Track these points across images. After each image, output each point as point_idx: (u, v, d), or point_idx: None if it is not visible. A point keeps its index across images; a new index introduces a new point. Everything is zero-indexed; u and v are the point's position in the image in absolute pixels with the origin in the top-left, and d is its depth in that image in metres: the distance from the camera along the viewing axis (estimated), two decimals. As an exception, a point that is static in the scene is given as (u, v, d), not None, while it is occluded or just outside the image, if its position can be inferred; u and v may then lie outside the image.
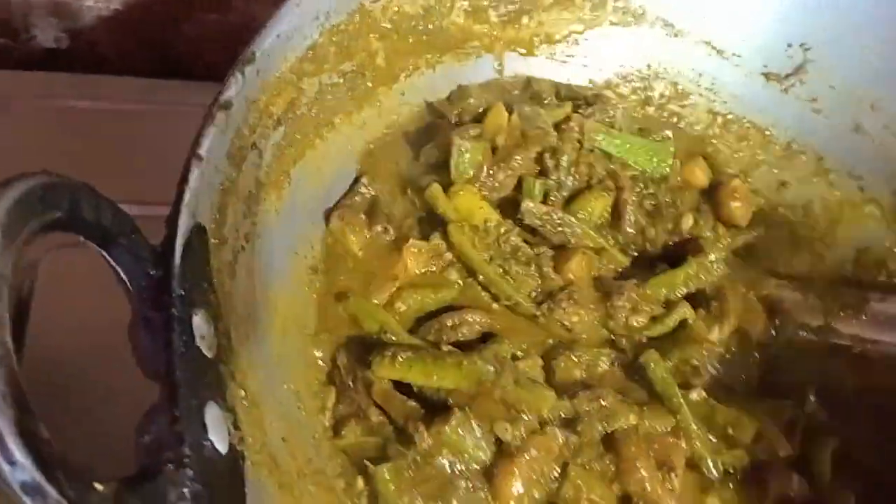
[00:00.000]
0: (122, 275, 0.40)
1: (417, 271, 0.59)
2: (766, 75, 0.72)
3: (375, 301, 0.57)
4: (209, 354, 0.42)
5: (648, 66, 0.72)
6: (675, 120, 0.73)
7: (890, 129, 0.68)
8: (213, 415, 0.40)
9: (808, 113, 0.71)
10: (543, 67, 0.71)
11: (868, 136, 0.69)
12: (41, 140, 0.72)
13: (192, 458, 0.37)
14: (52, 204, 0.35)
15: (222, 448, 0.40)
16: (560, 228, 0.61)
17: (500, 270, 0.59)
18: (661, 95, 0.73)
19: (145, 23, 0.79)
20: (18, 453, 0.28)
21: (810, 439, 0.57)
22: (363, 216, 0.60)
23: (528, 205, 0.61)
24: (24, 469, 0.28)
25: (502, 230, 0.60)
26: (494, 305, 0.59)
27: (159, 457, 0.37)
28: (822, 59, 0.70)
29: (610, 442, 0.54)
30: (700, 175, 0.68)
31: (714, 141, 0.73)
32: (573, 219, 0.61)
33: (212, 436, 0.39)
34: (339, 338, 0.55)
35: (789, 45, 0.70)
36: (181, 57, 0.83)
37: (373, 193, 0.61)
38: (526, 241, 0.61)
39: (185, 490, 0.36)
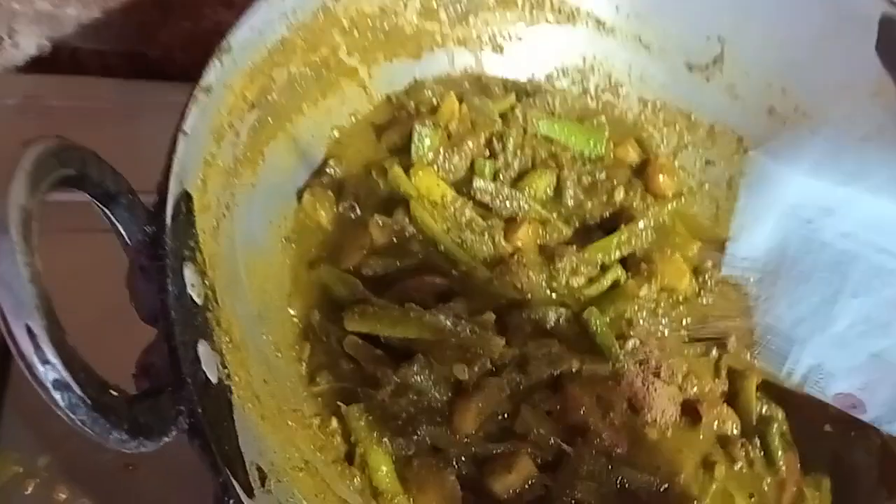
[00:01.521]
0: (120, 229, 0.46)
1: (382, 242, 0.65)
2: (689, 66, 0.80)
3: (344, 267, 0.63)
4: (198, 301, 0.48)
5: (584, 61, 0.80)
6: (609, 108, 0.81)
7: (799, 111, 0.77)
8: (204, 351, 0.46)
9: (727, 98, 0.79)
10: (490, 62, 0.78)
11: (780, 117, 0.78)
12: (23, 137, 0.77)
13: (188, 383, 0.42)
14: (66, 162, 0.40)
15: (213, 378, 0.46)
16: (508, 203, 0.68)
17: (458, 240, 0.66)
18: (597, 87, 0.81)
19: (123, 29, 0.85)
20: (51, 355, 0.34)
21: (738, 377, 0.65)
22: (331, 194, 0.66)
23: (479, 182, 0.68)
24: (55, 368, 0.34)
25: (458, 204, 0.67)
26: (453, 272, 0.65)
27: (160, 381, 0.43)
28: (738, 50, 0.78)
29: (557, 384, 0.61)
30: (632, 153, 0.76)
31: (646, 125, 0.81)
32: (520, 194, 0.69)
33: (204, 367, 0.45)
34: (311, 299, 0.61)
35: (708, 38, 0.78)
36: (156, 61, 0.88)
37: (339, 174, 0.68)
38: (479, 215, 0.68)
39: (183, 407, 0.42)
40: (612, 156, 0.75)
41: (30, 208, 0.36)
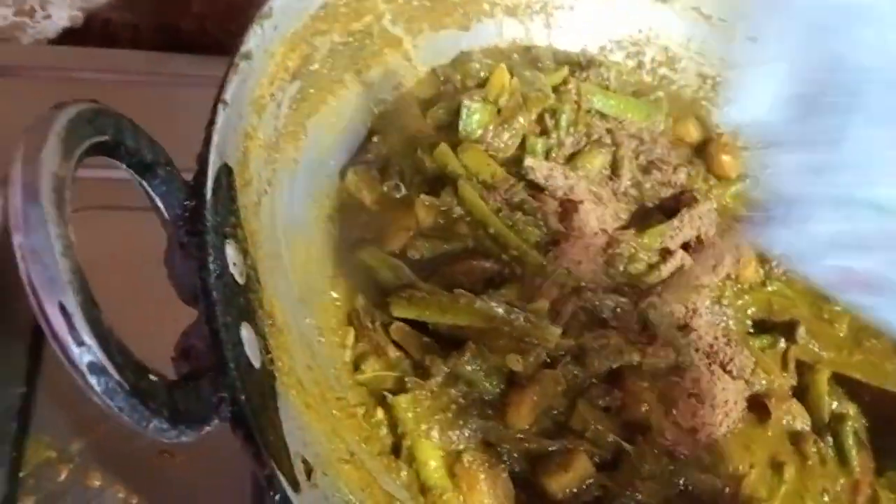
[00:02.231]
0: (158, 203, 0.43)
1: (428, 224, 0.62)
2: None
3: (389, 250, 0.60)
4: (240, 281, 0.44)
5: (640, 32, 0.76)
6: (666, 83, 0.76)
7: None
8: (246, 334, 0.43)
9: (792, 73, 0.75)
10: (541, 34, 0.74)
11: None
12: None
13: (231, 368, 0.39)
14: (100, 128, 0.37)
15: (256, 363, 0.43)
16: (562, 182, 0.64)
17: (509, 222, 0.62)
18: (653, 60, 0.77)
19: (155, 1, 0.82)
20: (86, 336, 0.31)
21: (806, 370, 0.60)
22: (376, 172, 0.63)
23: (530, 161, 0.64)
24: (90, 350, 0.31)
25: (509, 184, 0.63)
26: (504, 256, 0.61)
27: (200, 365, 0.40)
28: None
29: (616, 378, 0.57)
30: (692, 131, 0.71)
31: (704, 103, 0.76)
32: (574, 173, 0.65)
33: (247, 351, 0.42)
34: (355, 283, 0.58)
35: (772, 9, 0.74)
36: (189, 33, 0.86)
37: (384, 152, 0.64)
38: (530, 196, 0.64)
39: (226, 393, 0.39)
40: (671, 134, 0.70)
41: (62, 176, 0.33)
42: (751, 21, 0.74)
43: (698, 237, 0.65)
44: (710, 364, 0.58)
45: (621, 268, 0.62)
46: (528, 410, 0.53)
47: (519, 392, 0.54)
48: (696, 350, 0.59)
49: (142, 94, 0.78)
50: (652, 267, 0.63)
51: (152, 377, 0.35)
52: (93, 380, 0.31)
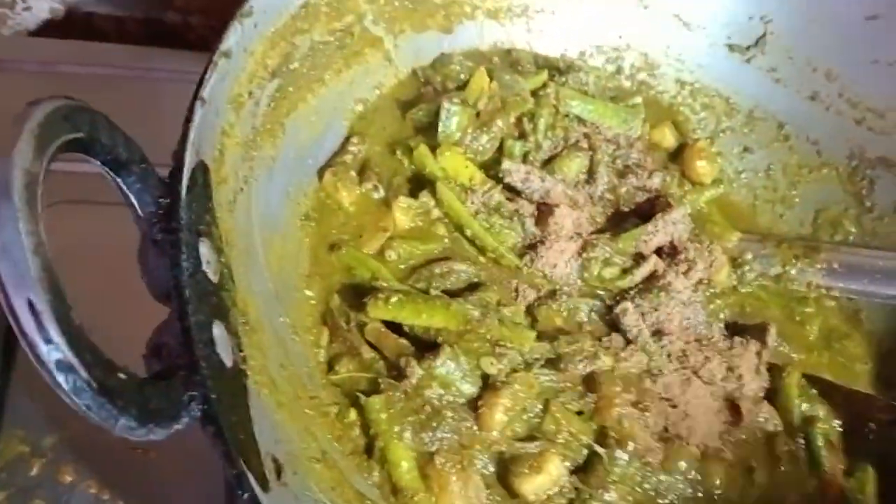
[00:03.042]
0: (132, 200, 0.43)
1: (406, 225, 0.62)
2: (730, 46, 0.76)
3: (366, 251, 0.60)
4: (214, 279, 0.45)
5: (620, 38, 0.76)
6: (644, 89, 0.77)
7: (844, 97, 0.73)
8: (218, 333, 0.43)
9: (768, 82, 0.76)
10: (521, 38, 0.74)
11: (824, 103, 0.74)
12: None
13: (202, 366, 0.39)
14: (75, 125, 0.37)
15: (228, 362, 0.43)
16: (539, 186, 0.64)
17: (486, 225, 0.62)
18: (632, 66, 0.77)
19: (140, -5, 0.82)
20: (54, 333, 0.31)
21: (777, 373, 0.61)
22: (354, 174, 0.63)
23: (508, 164, 0.64)
24: (58, 348, 0.31)
25: (486, 187, 0.63)
26: (480, 258, 0.62)
27: (171, 363, 0.40)
28: (782, 32, 0.74)
29: (589, 382, 0.57)
30: (669, 137, 0.72)
31: (682, 108, 0.77)
32: (551, 177, 0.65)
33: (219, 350, 0.42)
34: (331, 283, 0.58)
35: (751, 18, 0.75)
36: (173, 27, 0.85)
37: (363, 153, 0.64)
38: (507, 199, 0.64)
39: (196, 392, 0.39)
40: (647, 139, 0.71)
41: (35, 172, 0.33)
42: (731, 28, 0.76)
43: (672, 242, 0.65)
44: (682, 369, 0.59)
45: (595, 272, 0.62)
46: (502, 413, 0.54)
47: (493, 395, 0.54)
48: (669, 355, 0.59)
49: (124, 88, 0.77)
50: (626, 271, 0.63)
51: (121, 375, 0.35)
52: (60, 377, 0.32)
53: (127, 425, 0.34)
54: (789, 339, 0.65)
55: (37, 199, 0.32)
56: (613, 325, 0.61)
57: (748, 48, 0.76)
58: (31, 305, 0.31)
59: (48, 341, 0.31)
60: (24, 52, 0.78)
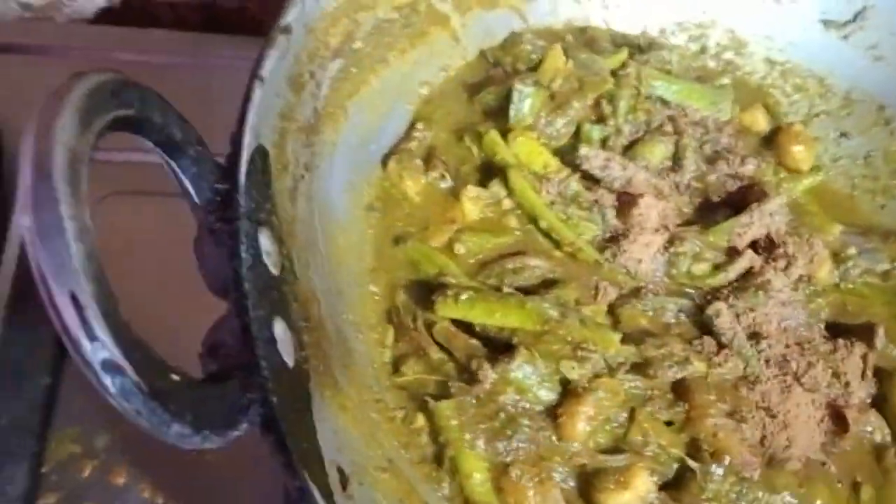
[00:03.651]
0: (188, 186, 0.39)
1: (475, 217, 0.58)
2: (825, 22, 0.70)
3: (433, 244, 0.56)
4: (274, 272, 0.41)
5: (704, 13, 0.71)
6: (731, 69, 0.71)
7: (953, 76, 0.66)
8: (280, 330, 0.39)
9: (867, 61, 0.69)
10: (597, 14, 0.69)
11: (931, 83, 0.67)
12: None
13: (263, 367, 0.36)
14: (124, 101, 0.34)
15: (289, 361, 0.39)
16: (620, 174, 0.59)
17: (563, 216, 0.58)
18: (718, 44, 0.71)
19: (196, -19, 0.80)
20: (100, 330, 0.28)
21: (886, 377, 0.55)
22: (419, 162, 0.59)
23: (585, 150, 0.59)
24: (104, 346, 0.28)
25: (562, 175, 0.59)
26: (556, 253, 0.57)
27: (229, 363, 0.37)
28: (883, 5, 0.68)
29: (680, 390, 0.52)
30: (760, 120, 0.66)
31: (772, 90, 0.71)
32: (634, 164, 0.60)
33: (280, 349, 0.39)
34: (396, 278, 0.54)
35: (848, -10, 0.68)
36: (229, 13, 0.83)
37: (428, 140, 0.60)
38: (586, 188, 0.59)
39: (256, 395, 0.35)
40: (737, 122, 0.65)
41: (79, 151, 0.29)
42: (826, 3, 0.69)
43: (768, 235, 0.59)
44: (782, 375, 0.53)
45: (684, 269, 0.57)
46: (584, 422, 0.49)
47: (574, 402, 0.49)
48: (767, 361, 0.54)
49: (180, 75, 0.75)
50: (718, 268, 0.58)
51: (174, 376, 0.31)
52: (107, 379, 0.28)
53: (180, 432, 0.31)
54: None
55: (82, 179, 0.29)
56: (705, 328, 0.55)
57: (845, 24, 0.69)
58: (73, 299, 0.27)
59: (93, 339, 0.28)
60: (80, 39, 0.76)
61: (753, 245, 0.59)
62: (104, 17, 0.81)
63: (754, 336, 0.54)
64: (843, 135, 0.70)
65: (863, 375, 0.55)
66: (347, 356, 0.47)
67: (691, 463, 0.48)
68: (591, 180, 0.59)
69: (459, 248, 0.56)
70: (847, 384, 0.54)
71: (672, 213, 0.59)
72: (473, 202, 0.58)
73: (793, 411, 0.51)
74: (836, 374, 0.54)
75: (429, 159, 0.59)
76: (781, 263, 0.57)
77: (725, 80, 0.68)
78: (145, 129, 0.36)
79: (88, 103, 0.31)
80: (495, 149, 0.59)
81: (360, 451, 0.43)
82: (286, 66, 0.47)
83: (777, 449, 0.50)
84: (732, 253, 0.58)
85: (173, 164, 0.39)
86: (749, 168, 0.62)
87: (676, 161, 0.62)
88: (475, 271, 0.55)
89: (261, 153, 0.43)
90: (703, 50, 0.71)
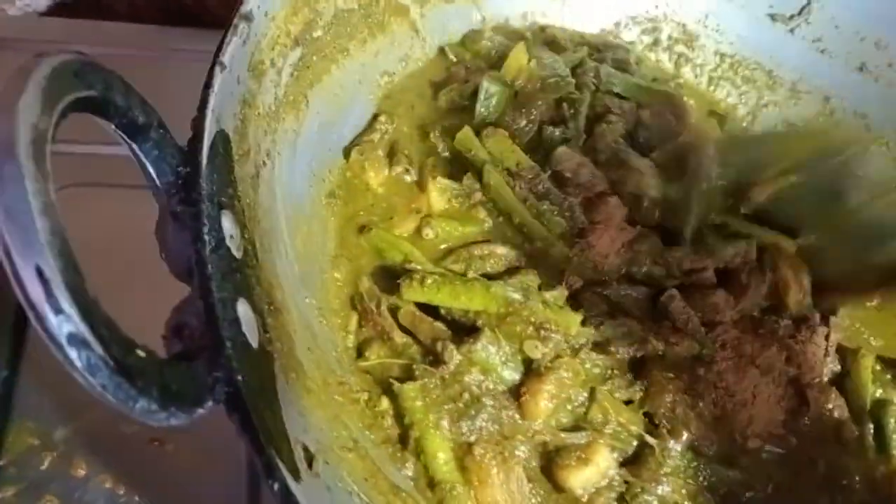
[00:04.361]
0: (150, 170, 0.39)
1: (441, 207, 0.59)
2: (772, 16, 0.72)
3: (399, 233, 0.57)
4: (237, 255, 0.41)
5: (656, 7, 0.73)
6: (683, 62, 0.73)
7: (894, 67, 0.69)
8: (243, 311, 0.39)
9: (813, 53, 0.72)
10: (554, 6, 0.71)
11: (872, 74, 0.70)
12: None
13: (227, 346, 0.36)
14: (87, 82, 0.34)
15: (254, 343, 0.39)
16: (590, 176, 0.60)
17: (534, 212, 0.59)
18: (669, 37, 0.73)
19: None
20: (66, 303, 0.28)
21: (849, 355, 0.58)
22: (381, 154, 0.59)
23: (561, 151, 0.60)
24: (70, 319, 0.28)
25: (534, 173, 0.60)
26: (526, 245, 0.58)
27: (194, 344, 0.37)
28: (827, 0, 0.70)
29: (638, 369, 0.54)
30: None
31: (722, 82, 0.73)
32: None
33: (244, 330, 0.39)
34: (359, 265, 0.55)
35: (795, -15, 0.71)
36: (188, 6, 0.82)
37: (391, 133, 0.61)
38: (555, 186, 0.60)
39: (221, 374, 0.35)
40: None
41: (42, 128, 0.29)
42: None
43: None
44: (737, 357, 0.55)
45: (644, 268, 0.58)
46: (546, 401, 0.50)
47: (536, 381, 0.50)
48: (723, 344, 0.55)
49: (137, 68, 0.73)
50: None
51: (140, 353, 0.31)
52: (73, 353, 0.28)
53: (147, 408, 0.31)
54: (868, 323, 0.60)
55: (45, 157, 0.29)
56: (661, 314, 0.57)
57: (791, 17, 0.72)
58: (39, 272, 0.27)
59: (59, 312, 0.28)
60: (34, 33, 0.75)
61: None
62: (58, 9, 0.80)
63: (710, 325, 0.56)
64: (790, 125, 0.73)
65: (825, 355, 0.57)
66: (311, 340, 0.47)
67: (650, 439, 0.50)
68: (560, 180, 0.61)
69: (428, 233, 0.57)
70: (807, 365, 0.56)
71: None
72: (441, 193, 0.58)
73: (751, 390, 0.53)
74: (793, 356, 0.56)
75: (392, 153, 0.60)
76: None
77: (680, 81, 0.70)
78: (108, 111, 0.36)
79: (52, 83, 0.31)
80: (469, 145, 0.60)
81: (325, 431, 0.43)
82: (247, 53, 0.47)
83: (738, 426, 0.52)
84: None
85: (135, 147, 0.39)
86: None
87: (633, 137, 0.63)
88: (441, 257, 0.56)
89: (222, 138, 0.43)
90: (656, 42, 0.73)
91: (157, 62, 0.75)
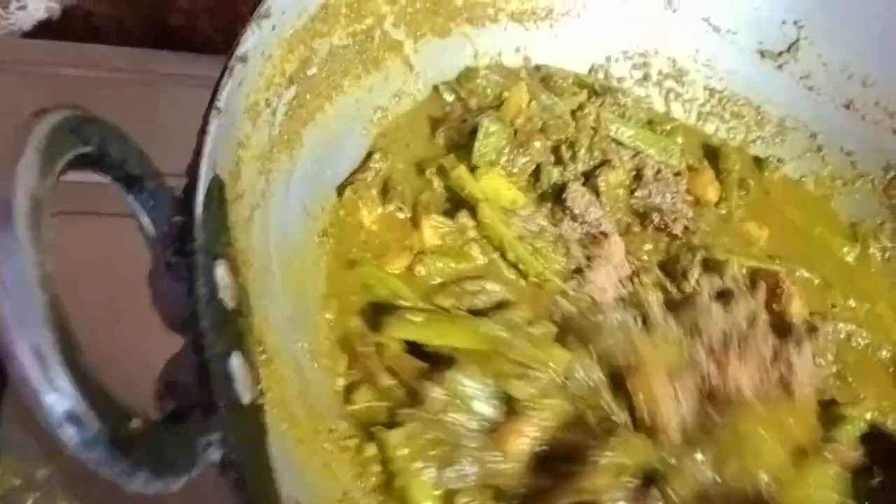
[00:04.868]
0: (144, 219, 0.39)
1: (434, 243, 0.58)
2: (761, 52, 0.73)
3: (391, 269, 0.56)
4: (231, 305, 0.41)
5: (647, 42, 0.73)
6: (673, 97, 0.74)
7: (881, 106, 0.70)
8: (237, 365, 0.39)
9: (801, 90, 0.73)
10: (546, 42, 0.71)
11: (859, 112, 0.71)
12: (32, 107, 0.71)
13: (221, 406, 0.36)
14: (84, 138, 0.33)
15: (246, 398, 0.39)
16: (598, 216, 0.61)
17: (530, 248, 0.59)
18: (660, 72, 0.74)
19: (140, -6, 0.78)
20: (62, 380, 0.27)
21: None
22: (374, 192, 0.59)
23: (575, 188, 0.61)
24: (66, 396, 0.27)
25: (530, 210, 0.60)
26: (520, 281, 0.58)
27: (186, 403, 0.36)
28: (815, 37, 0.71)
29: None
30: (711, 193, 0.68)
31: (711, 118, 0.74)
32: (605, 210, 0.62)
33: (237, 385, 0.38)
34: (349, 303, 0.54)
35: (783, 23, 0.72)
36: (177, 28, 0.81)
37: (384, 171, 0.60)
38: (552, 224, 0.61)
39: (214, 435, 0.35)
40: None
41: (40, 195, 0.29)
42: (762, 34, 0.73)
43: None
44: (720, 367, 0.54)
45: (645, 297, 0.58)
46: (528, 443, 0.50)
47: (518, 421, 0.50)
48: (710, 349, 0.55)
49: (125, 92, 0.73)
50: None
51: (135, 423, 0.31)
52: (69, 431, 0.28)
53: (142, 480, 0.31)
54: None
55: (43, 225, 0.28)
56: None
57: (780, 54, 0.73)
58: (35, 349, 0.27)
59: (55, 390, 0.27)
60: (20, 54, 0.73)
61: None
62: (44, 30, 0.79)
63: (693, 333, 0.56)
64: (778, 160, 0.73)
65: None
66: (303, 386, 0.47)
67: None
68: (555, 217, 0.61)
69: (421, 270, 0.56)
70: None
71: (638, 249, 0.62)
72: (434, 230, 0.58)
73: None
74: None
75: (385, 190, 0.60)
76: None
77: (676, 123, 0.71)
78: (104, 165, 0.35)
79: (50, 143, 0.31)
80: (463, 184, 0.60)
81: (316, 484, 0.43)
82: (243, 95, 0.46)
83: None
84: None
85: (130, 198, 0.38)
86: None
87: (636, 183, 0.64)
88: (435, 291, 0.56)
89: (217, 184, 0.43)
90: (646, 77, 0.73)
91: (145, 86, 0.74)
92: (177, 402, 0.37)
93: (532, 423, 0.50)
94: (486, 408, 0.51)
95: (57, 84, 0.71)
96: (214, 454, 0.35)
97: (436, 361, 0.52)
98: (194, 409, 0.36)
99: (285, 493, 0.39)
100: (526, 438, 0.50)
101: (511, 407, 0.51)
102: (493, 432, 0.50)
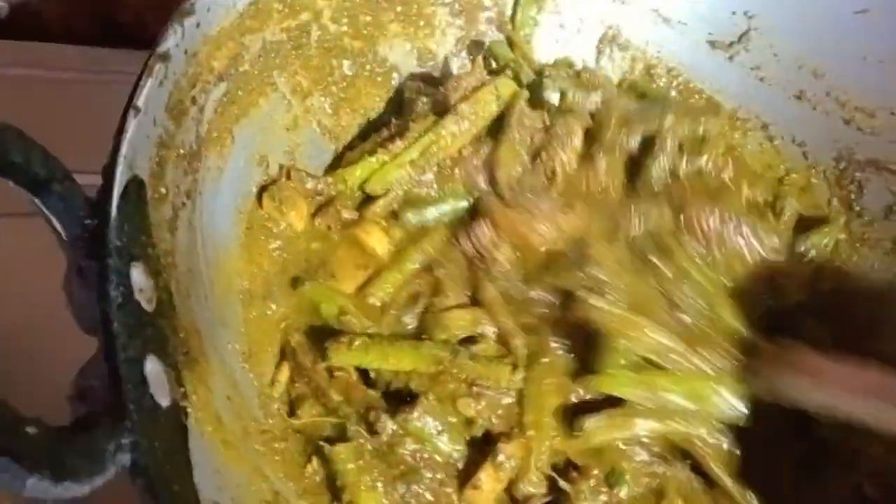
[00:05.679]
0: (54, 223, 0.38)
1: (384, 251, 0.57)
2: (712, 43, 0.73)
3: (343, 289, 0.55)
4: (148, 308, 0.40)
5: (597, 32, 0.73)
6: (624, 87, 0.73)
7: (832, 96, 0.70)
8: (152, 368, 0.39)
9: (752, 81, 0.72)
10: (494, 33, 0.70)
11: (811, 102, 0.71)
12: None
13: (131, 410, 0.35)
14: (-20, 145, 0.33)
15: (163, 402, 0.39)
16: None
17: None
18: (611, 59, 0.73)
19: (90, -8, 0.77)
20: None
21: None
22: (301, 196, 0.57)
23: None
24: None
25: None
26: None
27: (96, 408, 0.36)
28: (766, 27, 0.71)
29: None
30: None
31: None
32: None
33: (153, 389, 0.38)
34: (290, 317, 0.53)
35: (733, 13, 0.71)
36: (126, 25, 0.81)
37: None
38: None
39: (124, 441, 0.35)
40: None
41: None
42: (713, 24, 0.72)
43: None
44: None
45: None
46: (490, 483, 0.48)
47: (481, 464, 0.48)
48: None
49: (74, 91, 0.73)
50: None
51: (30, 430, 0.31)
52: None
53: (37, 485, 0.30)
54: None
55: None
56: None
57: (731, 45, 0.72)
58: None
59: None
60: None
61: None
62: (-8, 31, 0.78)
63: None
64: (731, 150, 0.73)
65: None
66: (231, 388, 0.46)
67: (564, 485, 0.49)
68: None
69: (374, 301, 0.55)
70: None
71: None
72: (378, 241, 0.57)
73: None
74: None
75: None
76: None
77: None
78: (6, 171, 0.35)
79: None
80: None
81: (243, 486, 0.43)
82: (165, 94, 0.46)
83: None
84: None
85: (38, 202, 0.38)
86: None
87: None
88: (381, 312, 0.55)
89: (136, 184, 0.42)
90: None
91: (95, 84, 0.73)
92: (88, 407, 0.37)
93: (495, 468, 0.48)
94: (442, 442, 0.49)
95: (5, 84, 0.70)
96: (123, 459, 0.35)
97: (384, 388, 0.51)
98: (105, 415, 0.35)
99: (205, 496, 0.39)
100: (489, 482, 0.49)
101: (472, 444, 0.50)
102: (453, 469, 0.50)
